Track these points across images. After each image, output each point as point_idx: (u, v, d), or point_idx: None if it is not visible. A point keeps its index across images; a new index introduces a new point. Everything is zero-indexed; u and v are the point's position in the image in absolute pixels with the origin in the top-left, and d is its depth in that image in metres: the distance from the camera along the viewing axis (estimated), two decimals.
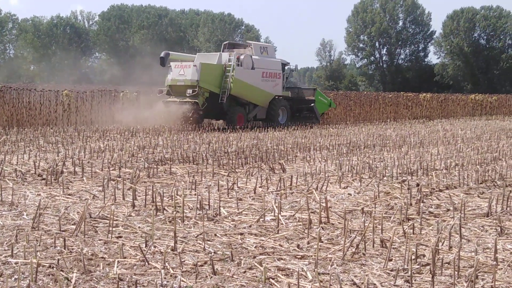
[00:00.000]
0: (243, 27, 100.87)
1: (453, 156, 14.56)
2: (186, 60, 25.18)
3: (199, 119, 24.32)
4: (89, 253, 5.81)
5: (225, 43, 27.17)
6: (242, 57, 24.80)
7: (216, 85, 24.17)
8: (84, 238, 6.38)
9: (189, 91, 23.39)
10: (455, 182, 10.52)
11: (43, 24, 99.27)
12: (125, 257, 5.70)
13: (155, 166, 11.64)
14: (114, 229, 6.68)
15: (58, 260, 5.47)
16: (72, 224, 6.94)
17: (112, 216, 6.70)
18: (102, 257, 5.71)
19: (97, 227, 6.90)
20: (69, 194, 8.93)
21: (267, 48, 27.21)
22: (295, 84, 76.11)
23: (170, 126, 22.51)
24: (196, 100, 23.49)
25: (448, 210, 8.14)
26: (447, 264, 5.63)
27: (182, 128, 22.50)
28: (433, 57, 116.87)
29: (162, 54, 25.02)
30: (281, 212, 7.55)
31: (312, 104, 28.31)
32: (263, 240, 6.44)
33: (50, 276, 5.10)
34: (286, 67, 27.60)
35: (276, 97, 26.64)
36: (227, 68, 24.36)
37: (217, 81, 24.21)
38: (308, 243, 6.39)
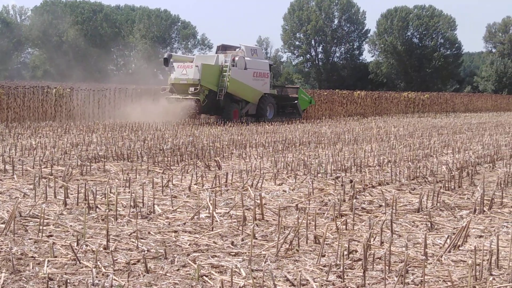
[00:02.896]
0: (179, 24, 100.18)
1: (386, 153, 14.81)
2: (186, 61, 27.40)
3: (199, 114, 27.01)
4: (19, 253, 5.68)
5: (218, 45, 29.39)
6: (236, 58, 27.14)
7: (215, 84, 26.51)
8: (13, 237, 6.23)
9: (191, 89, 25.69)
10: (387, 178, 10.70)
11: None
12: (55, 256, 5.60)
13: (88, 164, 11.46)
14: (45, 228, 6.55)
15: None
16: (1, 223, 6.78)
17: (42, 215, 6.56)
18: (32, 257, 5.59)
19: (27, 226, 6.76)
20: None
21: (257, 50, 29.78)
22: None
23: (173, 120, 24.40)
24: (198, 97, 25.78)
25: (380, 206, 8.28)
26: (378, 259, 5.73)
27: (184, 122, 24.65)
28: (368, 56, 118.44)
29: (165, 55, 27.41)
30: (216, 209, 7.54)
31: (296, 101, 31.19)
32: (197, 238, 6.42)
33: None
34: (272, 67, 30.15)
35: (265, 94, 29.06)
36: (224, 69, 26.69)
37: (215, 80, 26.55)
38: (243, 240, 6.40)
